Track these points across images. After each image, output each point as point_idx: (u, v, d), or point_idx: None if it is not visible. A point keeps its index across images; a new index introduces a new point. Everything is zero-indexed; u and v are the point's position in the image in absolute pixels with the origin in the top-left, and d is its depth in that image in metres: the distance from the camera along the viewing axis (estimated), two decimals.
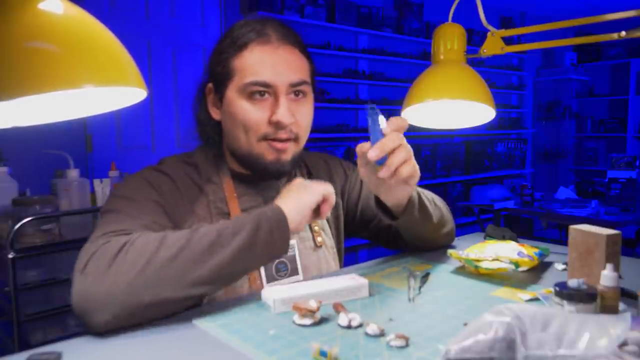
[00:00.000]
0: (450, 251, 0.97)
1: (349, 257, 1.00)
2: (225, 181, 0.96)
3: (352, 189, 1.11)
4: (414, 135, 4.25)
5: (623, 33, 0.90)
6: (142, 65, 2.87)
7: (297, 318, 0.69)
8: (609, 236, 0.74)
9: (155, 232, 0.79)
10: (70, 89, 0.54)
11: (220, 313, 0.74)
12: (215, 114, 0.96)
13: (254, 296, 0.82)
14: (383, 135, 0.80)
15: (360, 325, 0.68)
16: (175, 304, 0.72)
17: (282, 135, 0.90)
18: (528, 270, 0.94)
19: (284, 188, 0.85)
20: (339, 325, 0.68)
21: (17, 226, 1.53)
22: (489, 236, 1.16)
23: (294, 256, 0.97)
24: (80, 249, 0.74)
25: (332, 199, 0.84)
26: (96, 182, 1.94)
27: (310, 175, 1.08)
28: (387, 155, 0.79)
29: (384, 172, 0.79)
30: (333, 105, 3.74)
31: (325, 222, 1.05)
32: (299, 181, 0.85)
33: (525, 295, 0.81)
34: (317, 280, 0.82)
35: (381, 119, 0.82)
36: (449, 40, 1.02)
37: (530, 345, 0.53)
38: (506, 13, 5.22)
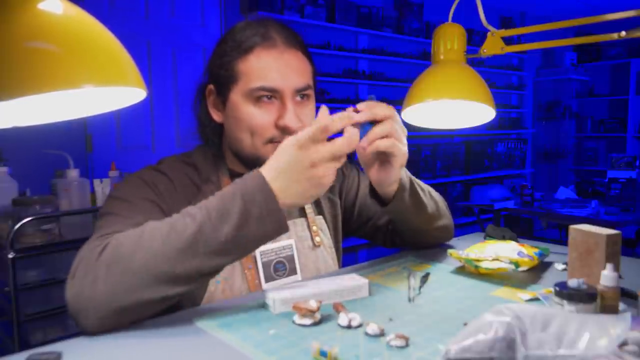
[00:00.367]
0: (450, 251, 0.97)
1: (348, 257, 1.01)
2: (224, 181, 0.96)
3: (350, 188, 1.12)
4: (414, 135, 4.25)
5: (623, 33, 0.90)
6: (142, 65, 2.87)
7: (297, 318, 0.69)
8: (609, 236, 0.74)
9: None
10: (70, 89, 0.54)
11: (220, 313, 0.74)
12: (216, 115, 0.96)
13: (253, 296, 0.82)
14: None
15: (360, 325, 0.68)
16: (161, 303, 0.70)
17: None
18: (528, 270, 0.94)
19: (286, 157, 0.73)
20: (339, 325, 0.68)
21: (17, 226, 1.53)
22: (489, 236, 1.16)
23: (292, 256, 0.97)
24: (80, 249, 0.75)
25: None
26: (96, 182, 1.94)
27: None
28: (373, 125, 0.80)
29: (363, 141, 0.80)
30: (333, 105, 3.74)
31: (323, 221, 1.05)
32: (307, 162, 0.72)
33: (525, 295, 0.81)
34: (317, 280, 0.82)
35: None
36: (449, 40, 1.02)
37: (530, 345, 0.53)
38: (506, 13, 5.22)
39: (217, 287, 0.89)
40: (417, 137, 4.28)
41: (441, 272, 0.94)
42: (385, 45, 4.08)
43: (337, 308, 0.72)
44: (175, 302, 0.73)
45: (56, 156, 1.85)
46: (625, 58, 5.55)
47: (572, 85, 5.81)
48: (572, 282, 0.66)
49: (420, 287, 0.83)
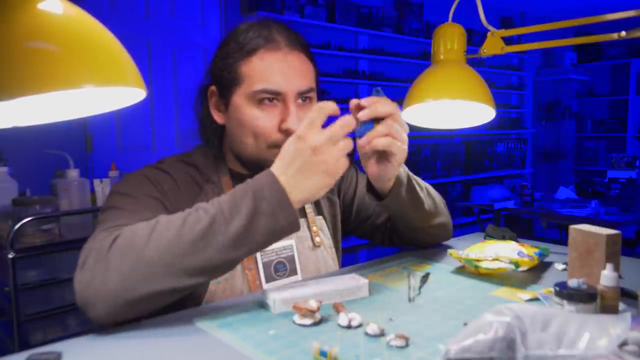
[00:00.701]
0: (450, 251, 0.97)
1: (348, 257, 1.01)
2: (225, 181, 0.96)
3: (348, 187, 1.12)
4: (414, 135, 4.25)
5: (623, 33, 0.90)
6: (142, 65, 2.87)
7: (297, 318, 0.69)
8: (609, 236, 0.74)
9: None
10: (70, 89, 0.54)
11: (220, 313, 0.74)
12: (218, 117, 0.96)
13: (254, 296, 0.82)
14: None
15: (360, 325, 0.68)
16: (172, 295, 0.70)
17: None
18: (528, 270, 0.94)
19: (289, 149, 0.74)
20: (339, 325, 0.68)
21: (17, 226, 1.53)
22: (489, 236, 1.16)
23: (292, 256, 0.97)
24: (80, 248, 0.75)
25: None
26: (96, 182, 1.94)
27: None
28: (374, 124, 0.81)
29: (362, 139, 0.81)
30: None
31: (323, 221, 1.05)
32: (309, 150, 0.72)
33: (525, 295, 0.81)
34: (317, 280, 0.82)
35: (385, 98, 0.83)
36: (449, 40, 1.02)
37: (530, 345, 0.53)
38: (506, 13, 5.22)
39: (217, 287, 0.89)
40: (417, 137, 4.28)
41: (441, 272, 0.94)
42: (385, 45, 4.08)
43: (337, 308, 0.72)
44: (177, 300, 0.73)
45: (56, 156, 1.84)
46: (625, 58, 5.55)
47: (572, 85, 5.81)
48: (572, 282, 0.66)
49: (420, 287, 0.83)
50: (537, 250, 0.98)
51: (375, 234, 1.12)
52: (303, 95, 0.91)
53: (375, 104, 0.81)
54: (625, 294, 0.73)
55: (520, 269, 0.92)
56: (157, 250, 0.68)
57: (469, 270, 0.94)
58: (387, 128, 0.81)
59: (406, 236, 1.07)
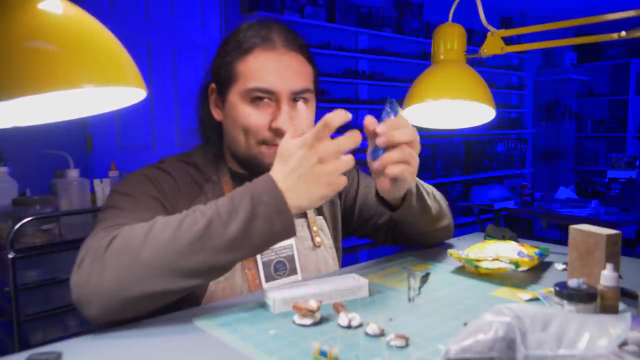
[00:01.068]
0: (450, 251, 0.97)
1: (349, 257, 1.01)
2: (224, 181, 0.96)
3: (350, 188, 1.12)
4: None
5: (623, 33, 0.90)
6: (142, 65, 2.87)
7: (297, 318, 0.69)
8: (609, 236, 0.74)
9: None
10: (70, 89, 0.54)
11: (220, 313, 0.74)
12: (217, 114, 0.97)
13: (254, 296, 0.82)
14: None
15: (360, 325, 0.68)
16: (167, 296, 0.70)
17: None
18: (528, 270, 0.94)
19: (294, 156, 0.73)
20: (339, 325, 0.68)
21: (17, 226, 1.53)
22: (489, 236, 1.16)
23: (292, 256, 0.97)
24: (84, 241, 0.75)
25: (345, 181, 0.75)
26: (96, 182, 1.94)
27: None
28: (387, 148, 0.79)
29: (376, 163, 0.80)
30: (333, 105, 3.74)
31: (323, 221, 1.05)
32: (314, 158, 0.72)
33: (525, 295, 0.81)
34: (317, 280, 0.82)
35: (400, 114, 0.81)
36: (449, 40, 1.02)
37: (530, 345, 0.53)
38: (506, 13, 5.22)
39: (217, 287, 0.89)
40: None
41: (441, 272, 0.94)
42: (385, 45, 4.08)
43: (337, 308, 0.72)
44: (177, 300, 0.73)
45: (56, 156, 1.85)
46: (625, 58, 5.55)
47: (572, 85, 5.81)
48: (572, 282, 0.66)
49: (420, 287, 0.83)
50: (537, 250, 0.98)
51: (377, 234, 1.12)
52: (298, 96, 0.91)
53: (393, 131, 0.78)
54: (625, 294, 0.73)
55: (520, 269, 0.92)
56: (153, 250, 0.68)
57: (469, 270, 0.94)
58: (402, 155, 0.79)
59: (410, 238, 1.08)
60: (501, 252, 0.94)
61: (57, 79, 0.53)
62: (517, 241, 1.07)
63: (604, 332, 0.52)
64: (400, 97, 1.03)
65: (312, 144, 0.72)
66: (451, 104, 1.05)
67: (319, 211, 1.06)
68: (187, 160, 0.97)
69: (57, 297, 1.65)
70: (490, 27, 1.01)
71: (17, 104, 0.59)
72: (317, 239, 1.02)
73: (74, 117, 0.70)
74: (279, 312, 0.73)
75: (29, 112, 0.67)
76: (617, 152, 4.85)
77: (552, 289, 0.69)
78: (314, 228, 1.02)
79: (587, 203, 3.48)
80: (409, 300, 0.78)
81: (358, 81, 3.90)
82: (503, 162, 5.07)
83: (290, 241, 0.97)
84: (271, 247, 0.94)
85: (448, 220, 1.09)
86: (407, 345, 0.62)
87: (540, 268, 0.97)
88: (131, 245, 0.69)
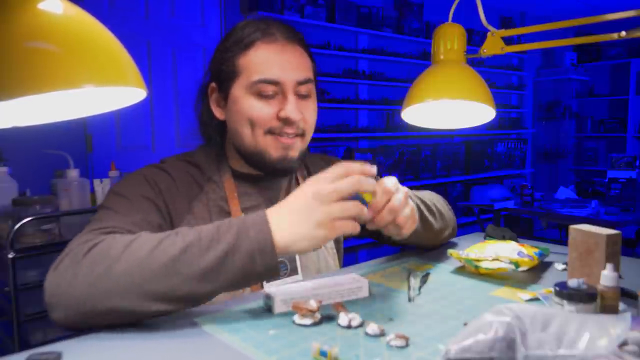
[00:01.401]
0: (450, 251, 0.97)
1: (349, 257, 1.01)
2: (226, 180, 0.96)
3: None
4: (414, 135, 4.25)
5: (623, 33, 0.90)
6: (142, 65, 2.87)
7: (297, 318, 0.69)
8: (609, 236, 0.74)
9: (144, 230, 0.79)
10: (70, 89, 0.54)
11: (220, 313, 0.74)
12: (218, 113, 0.97)
13: (254, 296, 0.82)
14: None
15: (360, 325, 0.68)
16: (131, 316, 0.68)
17: (289, 130, 0.91)
18: (528, 270, 0.94)
19: (294, 192, 0.72)
20: (339, 325, 0.68)
21: (17, 226, 1.53)
22: (489, 236, 1.16)
23: (293, 256, 0.97)
24: (71, 240, 0.75)
25: (354, 229, 0.71)
26: (96, 182, 1.94)
27: (310, 176, 1.08)
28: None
29: (370, 226, 0.77)
30: (333, 105, 3.74)
31: None
32: (310, 193, 0.69)
33: (525, 295, 0.81)
34: (317, 280, 0.82)
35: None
36: (449, 40, 1.02)
37: (530, 345, 0.53)
38: (506, 13, 5.22)
39: None
40: (417, 137, 4.28)
41: (441, 272, 0.94)
42: (385, 45, 4.08)
43: (337, 308, 0.72)
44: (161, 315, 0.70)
45: (56, 156, 1.85)
46: (625, 58, 5.55)
47: (572, 85, 5.80)
48: (572, 282, 0.66)
49: (420, 287, 0.83)
50: (537, 250, 0.98)
51: (379, 235, 1.12)
52: (302, 86, 0.91)
53: (387, 213, 0.76)
54: (625, 294, 0.73)
55: (520, 269, 0.92)
56: (126, 266, 0.67)
57: (469, 270, 0.94)
58: (390, 217, 0.77)
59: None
60: (501, 252, 0.93)
61: (57, 79, 0.53)
62: (517, 241, 1.07)
63: (604, 332, 0.52)
64: (400, 97, 1.03)
65: (312, 180, 0.71)
66: (451, 104, 1.05)
67: None
68: (188, 159, 0.97)
69: None
70: (490, 27, 1.01)
71: (17, 104, 0.59)
72: None
73: (74, 117, 0.69)
74: (279, 312, 0.73)
75: (29, 112, 0.67)
76: (617, 152, 4.85)
77: (552, 289, 0.69)
78: None
79: (587, 203, 3.48)
80: (409, 300, 0.78)
81: (358, 81, 3.90)
82: (503, 162, 5.07)
83: None
84: None
85: (451, 228, 1.10)
86: (407, 345, 0.62)
87: (540, 268, 0.97)
88: (108, 257, 0.67)
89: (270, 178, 0.99)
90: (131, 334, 0.68)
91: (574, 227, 0.80)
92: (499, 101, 5.08)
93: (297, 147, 0.94)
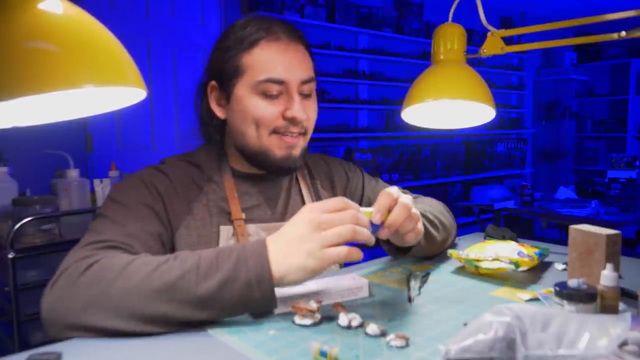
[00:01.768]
0: (450, 251, 0.97)
1: None
2: (227, 180, 0.96)
3: (355, 190, 1.11)
4: (414, 135, 4.25)
5: (623, 33, 0.90)
6: (142, 65, 2.87)
7: (297, 318, 0.69)
8: (609, 236, 0.74)
9: (142, 241, 0.80)
10: (70, 89, 0.54)
11: None
12: (219, 112, 0.96)
13: None
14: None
15: (360, 325, 0.68)
16: (129, 334, 0.67)
17: (294, 130, 0.91)
18: (528, 270, 0.94)
19: (291, 219, 0.72)
20: (339, 325, 0.68)
21: (17, 226, 1.53)
22: (489, 236, 1.16)
23: None
24: (68, 253, 0.75)
25: (354, 256, 0.70)
26: (96, 182, 1.94)
27: (311, 175, 1.08)
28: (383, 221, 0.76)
29: (384, 233, 0.77)
30: (333, 105, 3.74)
31: None
32: (308, 219, 0.69)
33: (525, 295, 0.81)
34: (317, 280, 0.82)
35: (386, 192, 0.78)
36: (449, 40, 1.02)
37: (530, 345, 0.53)
38: (506, 13, 5.22)
39: None
40: (417, 137, 4.28)
41: (441, 272, 0.94)
42: (385, 45, 4.08)
43: (337, 308, 0.72)
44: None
45: (56, 156, 1.84)
46: (625, 58, 5.55)
47: (572, 85, 5.80)
48: (572, 282, 0.66)
49: (420, 287, 0.83)
50: (537, 250, 0.98)
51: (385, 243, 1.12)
52: (305, 85, 0.91)
53: (392, 219, 0.76)
54: (625, 294, 0.73)
55: (520, 269, 0.92)
56: (122, 289, 0.67)
57: (469, 270, 0.94)
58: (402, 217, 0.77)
59: None
60: (501, 252, 0.94)
61: (57, 79, 0.53)
62: (517, 241, 1.07)
63: (604, 332, 0.52)
64: (400, 97, 1.03)
65: (316, 207, 0.71)
66: (451, 104, 1.05)
67: None
68: (189, 159, 0.97)
69: None
70: (490, 27, 1.01)
71: (17, 104, 0.59)
72: None
73: (74, 117, 0.69)
74: (279, 312, 0.73)
75: (29, 112, 0.67)
76: (617, 152, 4.85)
77: (552, 289, 0.69)
78: None
79: (587, 203, 3.47)
80: (409, 300, 0.78)
81: (358, 81, 3.90)
82: (503, 162, 5.07)
83: None
84: None
85: (453, 235, 1.10)
86: (407, 345, 0.62)
87: (540, 268, 0.97)
88: (104, 279, 0.68)
89: (271, 177, 0.99)
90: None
91: (574, 227, 0.80)
92: (499, 101, 5.08)
93: (300, 146, 0.94)
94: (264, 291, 0.67)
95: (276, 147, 0.91)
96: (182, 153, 1.00)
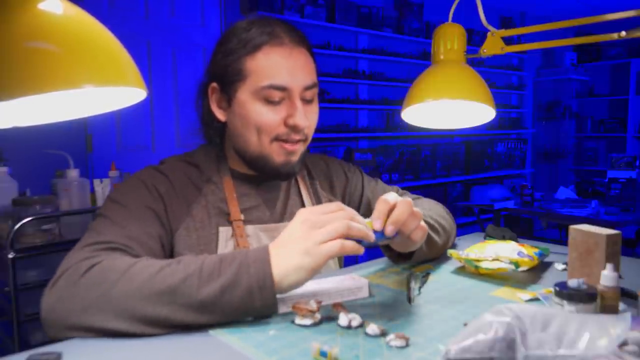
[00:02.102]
0: (450, 251, 0.97)
1: (349, 258, 1.00)
2: (226, 181, 0.95)
3: (354, 191, 1.11)
4: (414, 135, 4.25)
5: (623, 33, 0.90)
6: (142, 65, 2.87)
7: (297, 318, 0.69)
8: (609, 236, 0.74)
9: (142, 242, 0.80)
10: (70, 89, 0.54)
11: None
12: (220, 114, 0.95)
13: None
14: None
15: (360, 325, 0.68)
16: (129, 334, 0.67)
17: (296, 137, 0.91)
18: (528, 270, 0.94)
19: (287, 228, 0.72)
20: (339, 325, 0.68)
21: (17, 226, 1.53)
22: (489, 236, 1.16)
23: None
24: (68, 254, 0.75)
25: (350, 250, 0.71)
26: (96, 182, 1.94)
27: (310, 176, 1.08)
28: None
29: (389, 230, 0.75)
30: (333, 105, 3.74)
31: None
32: (303, 219, 0.71)
33: (525, 295, 0.81)
34: (317, 280, 0.82)
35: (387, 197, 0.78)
36: (449, 40, 1.02)
37: (530, 345, 0.53)
38: (506, 13, 5.22)
39: None
40: (417, 137, 4.28)
41: (441, 272, 0.94)
42: (385, 45, 4.08)
43: (337, 308, 0.72)
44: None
45: (56, 156, 1.84)
46: (625, 58, 5.55)
47: (572, 85, 5.81)
48: (572, 282, 0.66)
49: (420, 287, 0.83)
50: (537, 250, 0.98)
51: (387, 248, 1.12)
52: (308, 91, 0.91)
53: (396, 219, 0.75)
54: (625, 294, 0.73)
55: (520, 269, 0.92)
56: (124, 291, 0.67)
57: (469, 270, 0.94)
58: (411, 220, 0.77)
59: None
60: (501, 252, 0.94)
61: (57, 79, 0.53)
62: (517, 241, 1.07)
63: (604, 332, 0.52)
64: (400, 97, 1.03)
65: (313, 210, 0.72)
66: (451, 104, 1.05)
67: None
68: (188, 160, 0.96)
69: None
70: (490, 27, 1.01)
71: (17, 104, 0.59)
72: None
73: (74, 117, 0.69)
74: (279, 312, 0.73)
75: (29, 112, 0.67)
76: (617, 152, 4.85)
77: (552, 289, 0.69)
78: None
79: (587, 203, 3.48)
80: (409, 300, 0.78)
81: (358, 81, 3.90)
82: (503, 162, 5.07)
83: None
84: None
85: (453, 236, 1.10)
86: (407, 345, 0.62)
87: (540, 268, 0.97)
88: (106, 280, 0.68)
89: (270, 179, 0.99)
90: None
91: (574, 227, 0.80)
92: (499, 101, 5.08)
93: (299, 152, 0.94)
94: (265, 298, 0.68)
95: (276, 154, 0.91)
96: (181, 153, 0.99)
